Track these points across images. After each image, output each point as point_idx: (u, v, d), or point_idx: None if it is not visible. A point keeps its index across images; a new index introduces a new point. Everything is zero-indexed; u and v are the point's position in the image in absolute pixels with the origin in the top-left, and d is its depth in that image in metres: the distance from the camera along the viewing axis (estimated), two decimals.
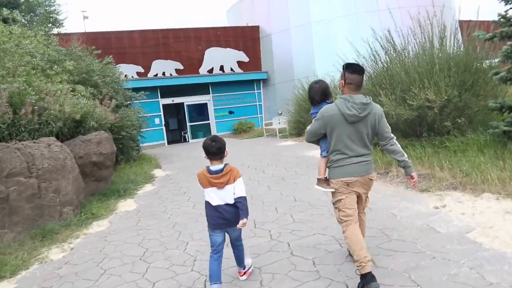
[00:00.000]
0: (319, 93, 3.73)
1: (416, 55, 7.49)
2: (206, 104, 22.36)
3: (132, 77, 19.96)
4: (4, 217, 5.70)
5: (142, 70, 20.47)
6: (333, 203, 3.50)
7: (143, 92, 14.44)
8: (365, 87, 8.17)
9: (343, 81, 3.34)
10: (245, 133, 21.06)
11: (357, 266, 3.18)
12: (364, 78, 3.46)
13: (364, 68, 8.35)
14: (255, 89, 23.35)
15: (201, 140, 21.30)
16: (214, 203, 3.40)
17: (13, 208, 5.79)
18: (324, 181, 3.59)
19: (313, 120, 3.58)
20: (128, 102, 13.93)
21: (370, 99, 3.29)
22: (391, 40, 7.72)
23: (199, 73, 21.68)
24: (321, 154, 3.64)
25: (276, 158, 11.01)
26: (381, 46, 7.89)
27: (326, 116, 3.33)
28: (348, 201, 3.34)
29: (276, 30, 22.18)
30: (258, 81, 23.26)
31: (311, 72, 17.37)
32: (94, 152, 7.90)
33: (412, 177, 3.49)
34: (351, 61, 8.83)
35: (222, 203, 3.37)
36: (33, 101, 6.64)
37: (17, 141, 6.27)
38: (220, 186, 3.33)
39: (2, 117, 6.10)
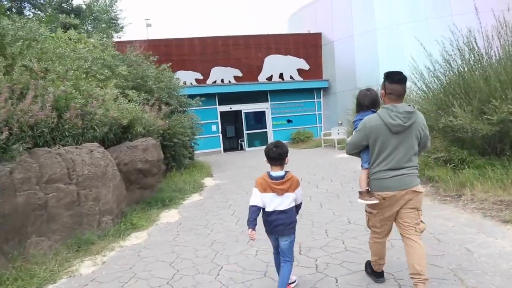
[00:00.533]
0: (368, 100, 3.55)
1: (499, 61, 6.44)
2: (264, 112, 21.95)
3: (191, 83, 20.04)
4: (42, 224, 5.49)
5: (201, 77, 20.47)
6: (365, 210, 3.47)
7: (198, 98, 14.21)
8: (436, 96, 7.24)
9: (383, 91, 3.24)
10: (303, 143, 20.37)
11: (372, 264, 3.53)
12: (406, 87, 3.26)
13: (436, 74, 7.50)
14: (315, 97, 22.59)
15: (258, 148, 21.22)
16: (268, 209, 3.34)
17: (51, 216, 5.57)
18: (367, 194, 3.43)
19: (353, 132, 3.47)
20: (184, 108, 13.77)
21: (414, 107, 3.14)
22: (473, 42, 6.68)
23: (258, 80, 21.33)
24: (362, 166, 3.46)
25: (333, 171, 10.25)
26: (458, 49, 6.89)
27: (368, 127, 3.20)
28: (378, 218, 3.30)
29: (339, 37, 21.35)
30: (318, 89, 22.48)
31: (375, 81, 16.20)
32: (140, 159, 7.63)
33: None
34: (422, 68, 8.04)
35: (275, 209, 3.31)
36: (77, 105, 6.44)
37: (60, 146, 6.09)
38: (280, 192, 3.29)
39: (45, 121, 5.93)
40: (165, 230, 6.21)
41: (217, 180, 10.97)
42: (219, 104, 20.92)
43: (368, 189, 3.40)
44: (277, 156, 3.33)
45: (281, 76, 21.64)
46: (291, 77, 21.72)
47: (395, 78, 3.18)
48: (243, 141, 22.00)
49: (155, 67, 12.43)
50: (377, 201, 3.29)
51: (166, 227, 6.39)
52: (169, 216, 7.11)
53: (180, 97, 13.55)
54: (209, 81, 20.59)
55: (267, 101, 21.76)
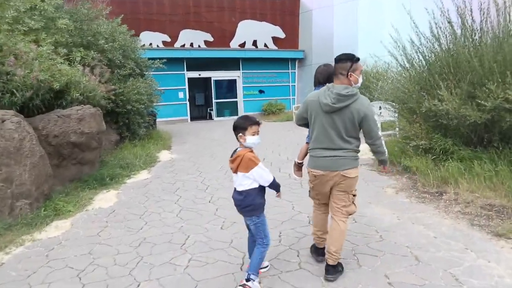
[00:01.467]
0: (324, 75, 3.75)
1: (495, 38, 5.49)
2: (235, 80, 20.76)
3: (158, 46, 18.61)
4: None
5: (168, 40, 19.00)
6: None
7: (158, 60, 12.85)
8: (420, 75, 6.30)
9: None
10: (274, 115, 19.44)
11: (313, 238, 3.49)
12: (345, 65, 3.10)
13: (421, 49, 6.54)
14: (290, 68, 21.54)
15: (227, 118, 20.13)
16: (234, 184, 3.16)
17: None
18: (296, 166, 3.82)
19: None
20: (143, 72, 12.45)
21: (353, 91, 3.03)
22: (468, 14, 5.66)
23: (230, 46, 20.02)
24: (306, 139, 3.75)
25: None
26: (448, 21, 5.89)
27: (308, 101, 3.28)
28: (314, 193, 3.39)
29: (318, 5, 20.18)
30: (293, 60, 21.40)
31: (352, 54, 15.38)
32: (74, 130, 6.47)
33: (384, 168, 3.40)
34: (405, 40, 7.07)
35: (235, 187, 3.13)
36: None
37: None
38: (232, 170, 3.11)
39: None
40: (93, 219, 5.17)
41: (173, 154, 9.92)
42: (187, 70, 19.56)
43: (299, 162, 3.76)
44: (233, 130, 3.09)
45: (254, 43, 20.42)
46: (265, 45, 20.55)
47: (336, 57, 3.18)
48: (212, 110, 20.84)
49: (108, 23, 10.96)
50: (299, 178, 3.87)
51: (96, 214, 5.35)
52: (104, 199, 6.06)
53: (139, 58, 12.19)
54: (177, 45, 19.13)
55: (239, 69, 20.56)
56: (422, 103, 5.72)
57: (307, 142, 3.56)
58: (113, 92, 9.11)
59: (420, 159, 5.91)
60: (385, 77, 8.84)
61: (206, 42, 19.64)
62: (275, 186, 3.10)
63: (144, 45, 16.72)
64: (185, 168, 7.99)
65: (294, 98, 21.39)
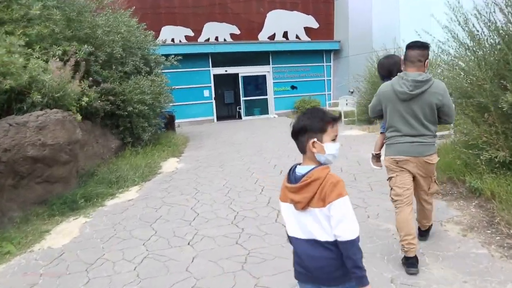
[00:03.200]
0: (384, 69, 3.68)
1: None
2: (264, 76, 19.14)
3: (180, 41, 17.30)
4: None
5: (191, 34, 17.58)
6: (388, 180, 3.30)
7: (172, 57, 11.45)
8: (496, 55, 4.40)
9: (403, 58, 3.26)
10: None
11: (401, 248, 3.11)
12: (424, 53, 3.06)
13: (491, 19, 4.73)
14: (324, 61, 19.65)
15: (256, 117, 18.55)
16: (290, 232, 1.79)
17: None
18: (375, 158, 3.87)
19: None
20: (154, 69, 11.09)
21: (428, 77, 3.00)
22: None
23: (258, 39, 18.38)
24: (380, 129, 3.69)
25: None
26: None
27: (381, 93, 3.27)
28: (398, 179, 3.17)
29: None
30: (328, 51, 19.50)
31: (393, 43, 13.34)
32: (31, 142, 5.09)
33: None
34: (455, 27, 5.28)
35: (301, 235, 1.73)
36: None
37: None
38: (298, 205, 1.68)
39: None
40: (29, 267, 3.73)
41: (181, 163, 8.44)
42: (212, 66, 18.13)
43: (377, 153, 3.83)
44: (293, 133, 1.77)
45: (285, 35, 18.64)
46: (297, 37, 18.73)
47: (410, 44, 3.16)
48: (240, 108, 19.32)
49: (110, 14, 9.65)
50: (379, 168, 3.90)
51: (37, 260, 3.91)
52: (63, 232, 4.64)
53: (149, 54, 10.84)
54: (201, 39, 17.72)
55: (269, 64, 18.91)
56: (500, 96, 3.88)
57: (382, 133, 3.51)
58: (111, 91, 7.79)
59: (497, 178, 4.04)
60: (436, 65, 6.96)
61: (232, 35, 18.10)
62: (356, 261, 1.63)
63: (166, 40, 15.55)
64: (183, 184, 6.44)
65: (330, 94, 19.49)
